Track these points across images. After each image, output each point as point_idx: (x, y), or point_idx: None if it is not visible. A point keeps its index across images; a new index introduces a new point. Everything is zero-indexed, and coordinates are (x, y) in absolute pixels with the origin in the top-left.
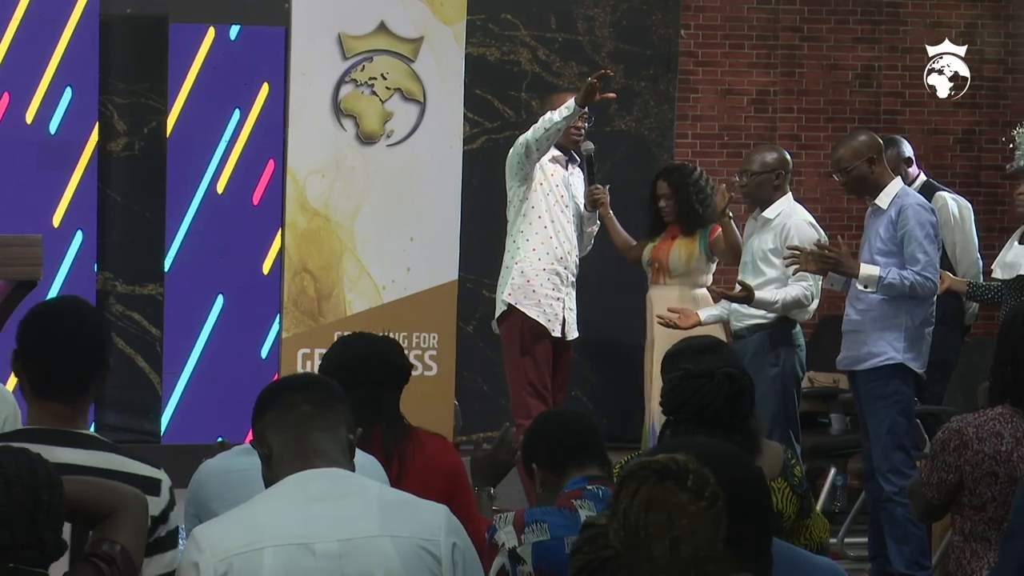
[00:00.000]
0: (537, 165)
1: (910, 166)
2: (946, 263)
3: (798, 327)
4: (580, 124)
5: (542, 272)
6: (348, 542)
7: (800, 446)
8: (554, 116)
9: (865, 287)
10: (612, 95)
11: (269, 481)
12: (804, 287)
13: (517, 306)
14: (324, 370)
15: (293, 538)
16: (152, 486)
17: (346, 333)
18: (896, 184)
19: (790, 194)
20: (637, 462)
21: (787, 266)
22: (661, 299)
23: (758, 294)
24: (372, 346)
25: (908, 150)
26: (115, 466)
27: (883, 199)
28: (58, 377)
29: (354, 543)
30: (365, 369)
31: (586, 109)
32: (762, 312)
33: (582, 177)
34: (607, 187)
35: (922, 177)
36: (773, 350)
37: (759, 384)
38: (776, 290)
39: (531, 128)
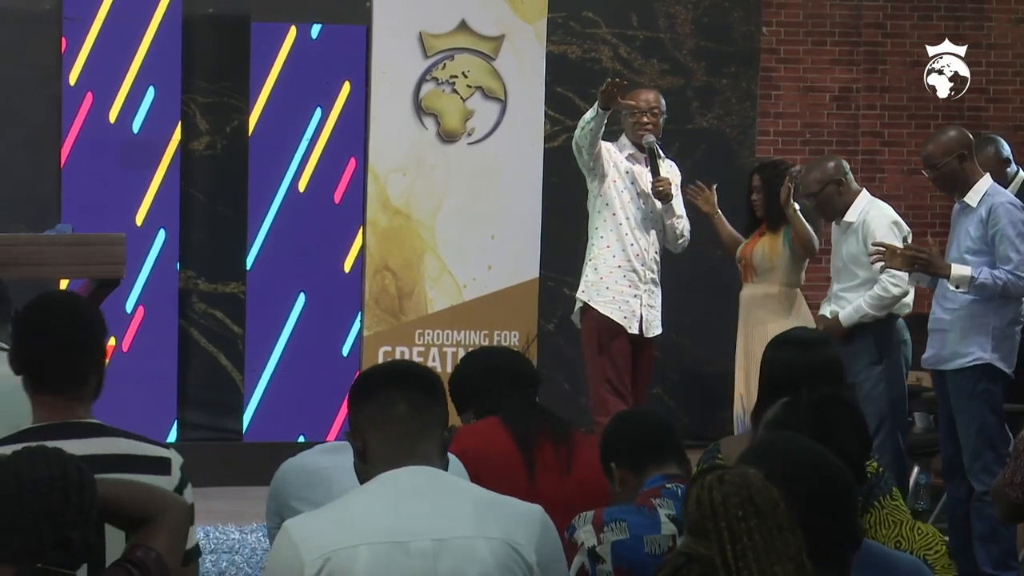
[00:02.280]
0: (611, 163)
1: (1008, 166)
2: None
3: (900, 321)
4: (646, 119)
5: (616, 269)
6: (442, 542)
7: (903, 444)
8: (585, 115)
9: (957, 287)
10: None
11: (362, 474)
12: (882, 284)
13: (590, 303)
14: (492, 372)
15: (388, 536)
16: (161, 465)
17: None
18: (986, 181)
19: (864, 192)
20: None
21: (872, 263)
22: (749, 298)
23: (842, 316)
24: (521, 358)
25: (1007, 149)
26: (120, 450)
27: (972, 197)
28: (52, 369)
29: (448, 543)
30: (527, 377)
31: (661, 103)
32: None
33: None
34: (715, 186)
35: (1021, 175)
36: (877, 349)
37: (865, 382)
38: (853, 301)
39: None
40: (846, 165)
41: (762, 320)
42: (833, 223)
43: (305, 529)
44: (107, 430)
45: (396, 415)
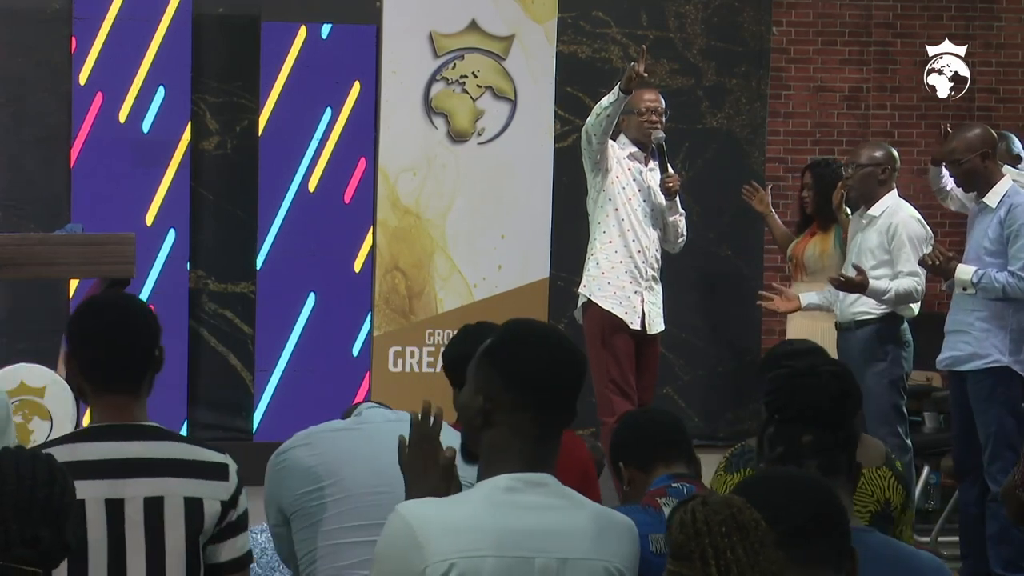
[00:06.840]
0: (615, 160)
1: (1018, 163)
2: None
3: (906, 323)
4: (654, 117)
5: (618, 264)
6: (566, 562)
7: (910, 442)
8: (603, 101)
9: (964, 289)
10: (645, 75)
11: (474, 443)
12: (915, 281)
13: (592, 297)
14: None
15: (514, 550)
16: (219, 471)
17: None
18: (1006, 183)
19: (895, 191)
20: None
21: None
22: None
23: (872, 282)
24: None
25: (1018, 146)
26: (179, 454)
27: (992, 197)
28: (112, 371)
29: (571, 563)
30: None
31: (662, 103)
32: (869, 306)
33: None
34: (769, 187)
35: None
36: (881, 346)
37: (866, 379)
38: (890, 280)
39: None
40: (897, 161)
41: (812, 317)
42: (855, 215)
43: (431, 528)
44: (166, 434)
45: (527, 419)
